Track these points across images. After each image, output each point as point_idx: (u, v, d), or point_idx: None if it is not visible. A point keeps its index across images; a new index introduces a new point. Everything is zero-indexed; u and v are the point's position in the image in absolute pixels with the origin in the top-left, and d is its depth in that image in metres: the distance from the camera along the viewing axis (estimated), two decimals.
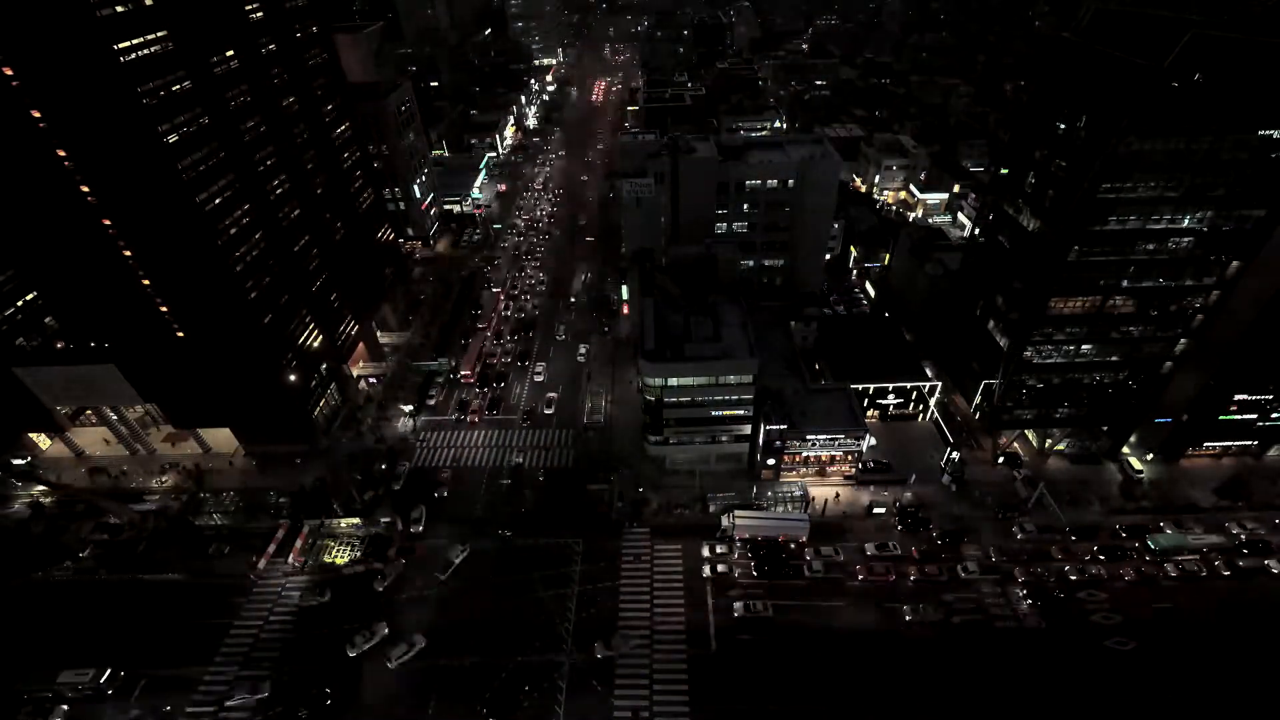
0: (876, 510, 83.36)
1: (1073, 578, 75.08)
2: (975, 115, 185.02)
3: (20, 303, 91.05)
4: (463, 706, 64.36)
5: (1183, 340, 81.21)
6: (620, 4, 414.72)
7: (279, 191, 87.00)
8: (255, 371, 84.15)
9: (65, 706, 65.03)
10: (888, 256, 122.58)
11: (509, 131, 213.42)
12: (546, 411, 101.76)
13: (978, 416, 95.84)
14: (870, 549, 78.48)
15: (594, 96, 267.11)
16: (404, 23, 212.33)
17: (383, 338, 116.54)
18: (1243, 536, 78.85)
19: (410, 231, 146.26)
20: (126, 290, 75.65)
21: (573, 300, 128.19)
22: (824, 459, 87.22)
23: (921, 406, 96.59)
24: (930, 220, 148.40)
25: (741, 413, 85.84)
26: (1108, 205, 69.83)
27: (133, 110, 63.48)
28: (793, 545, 78.91)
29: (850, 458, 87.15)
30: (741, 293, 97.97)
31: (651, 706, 64.38)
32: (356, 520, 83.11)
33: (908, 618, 70.96)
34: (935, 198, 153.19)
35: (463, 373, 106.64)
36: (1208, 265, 74.38)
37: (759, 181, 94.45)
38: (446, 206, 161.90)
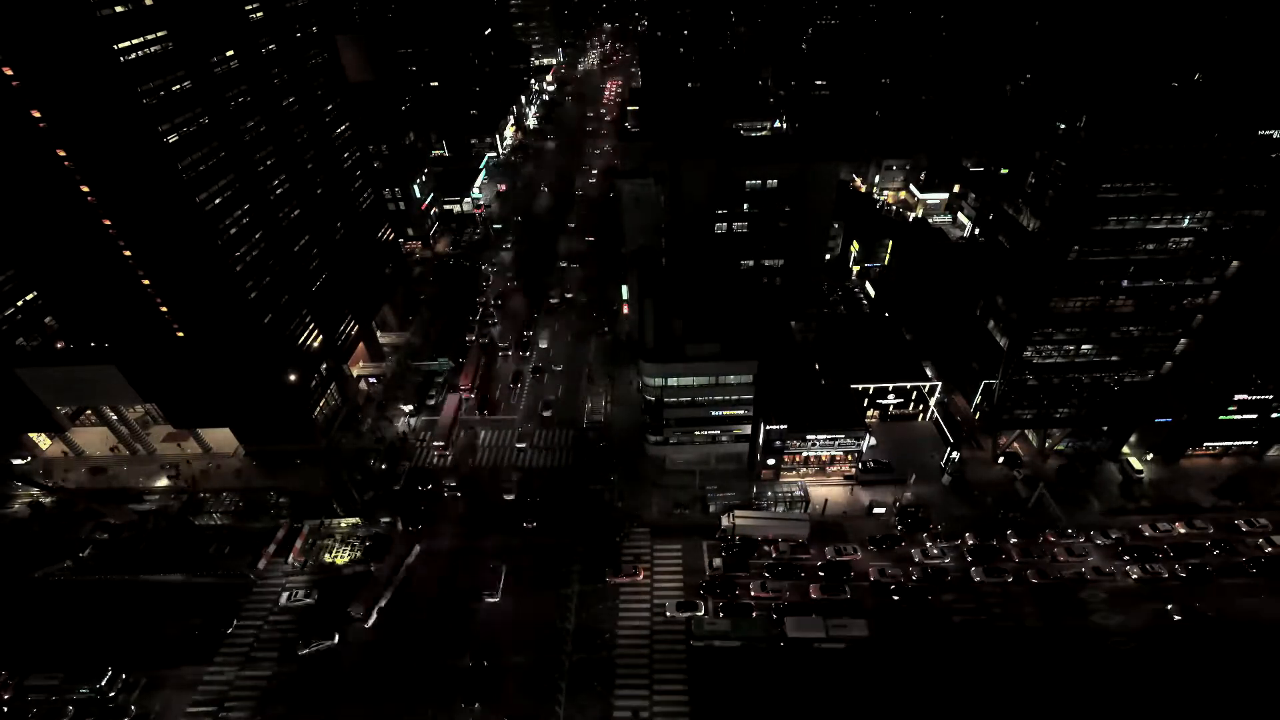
0: (877, 510, 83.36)
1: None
2: (976, 115, 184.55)
3: (20, 303, 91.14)
4: None
5: (1183, 340, 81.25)
6: (621, 3, 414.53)
7: (279, 191, 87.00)
8: (255, 371, 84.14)
9: (71, 709, 65.05)
10: (887, 256, 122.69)
11: (509, 131, 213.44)
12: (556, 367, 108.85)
13: (978, 416, 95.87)
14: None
15: (599, 93, 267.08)
16: (404, 22, 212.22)
17: (383, 338, 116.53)
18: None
19: (410, 231, 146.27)
20: (126, 290, 75.66)
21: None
22: (824, 459, 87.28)
23: (921, 406, 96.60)
24: (930, 220, 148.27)
25: (741, 413, 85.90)
26: (1108, 205, 69.88)
27: (133, 110, 63.46)
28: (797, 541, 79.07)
29: (850, 458, 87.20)
30: (742, 293, 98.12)
31: (651, 706, 64.46)
32: (356, 520, 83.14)
33: None
34: (935, 198, 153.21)
35: (462, 387, 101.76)
36: (1208, 265, 74.44)
37: (759, 181, 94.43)
38: (446, 207, 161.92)
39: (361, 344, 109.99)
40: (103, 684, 65.91)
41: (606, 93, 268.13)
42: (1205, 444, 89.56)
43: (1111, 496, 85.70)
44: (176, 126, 68.24)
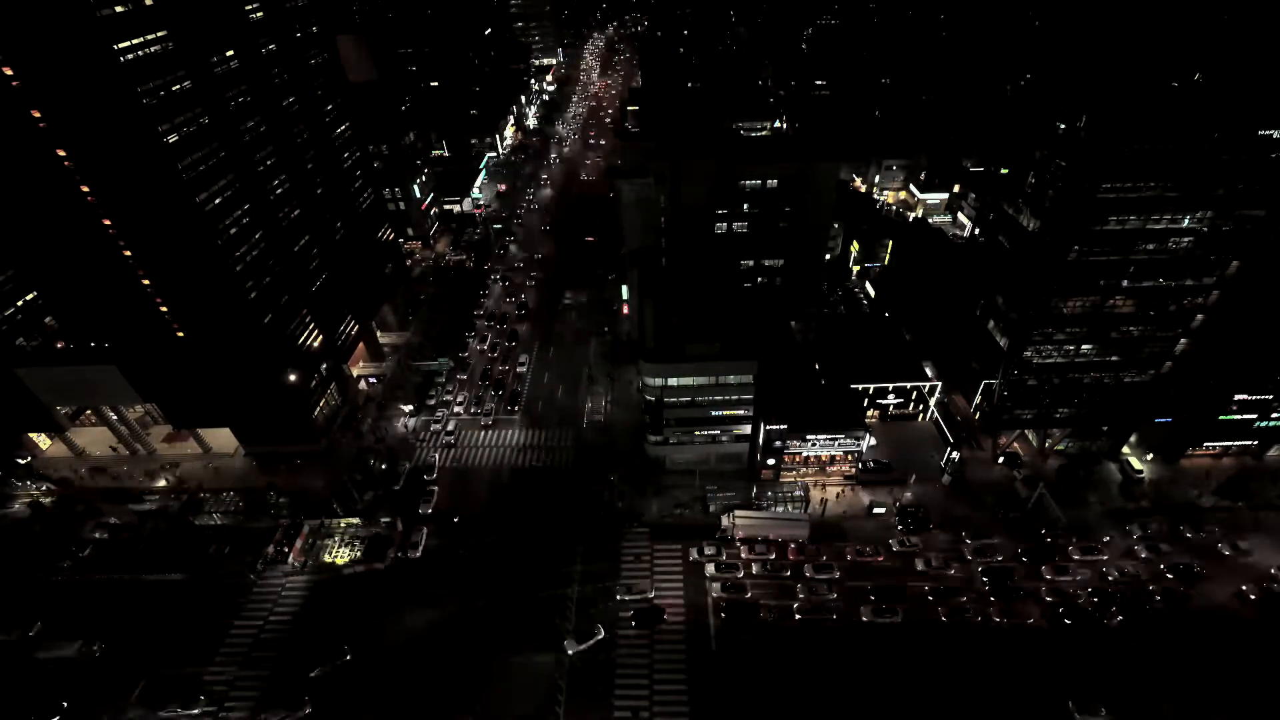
0: (877, 510, 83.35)
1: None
2: (976, 115, 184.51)
3: (20, 303, 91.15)
4: None
5: (1183, 340, 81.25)
6: (621, 4, 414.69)
7: (279, 191, 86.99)
8: (255, 371, 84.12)
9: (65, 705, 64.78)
10: (887, 256, 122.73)
11: (509, 131, 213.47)
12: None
13: (978, 416, 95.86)
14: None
15: (594, 93, 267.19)
16: (404, 22, 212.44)
17: (383, 338, 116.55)
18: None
19: (410, 231, 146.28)
20: (126, 290, 75.64)
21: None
22: (824, 459, 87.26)
23: (921, 406, 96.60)
24: (930, 220, 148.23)
25: (741, 413, 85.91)
26: (1108, 205, 69.88)
27: (133, 110, 63.47)
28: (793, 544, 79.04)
29: (850, 458, 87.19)
30: (742, 293, 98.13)
31: (651, 706, 64.47)
32: (356, 520, 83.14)
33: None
34: (935, 198, 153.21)
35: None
36: (1208, 265, 74.44)
37: (759, 181, 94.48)
38: (446, 207, 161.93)
39: (361, 344, 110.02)
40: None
41: (605, 97, 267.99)
42: (1205, 444, 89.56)
43: (1111, 496, 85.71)
44: (176, 126, 68.21)
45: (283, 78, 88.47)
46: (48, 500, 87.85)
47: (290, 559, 78.58)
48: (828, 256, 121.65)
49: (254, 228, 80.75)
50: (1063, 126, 73.92)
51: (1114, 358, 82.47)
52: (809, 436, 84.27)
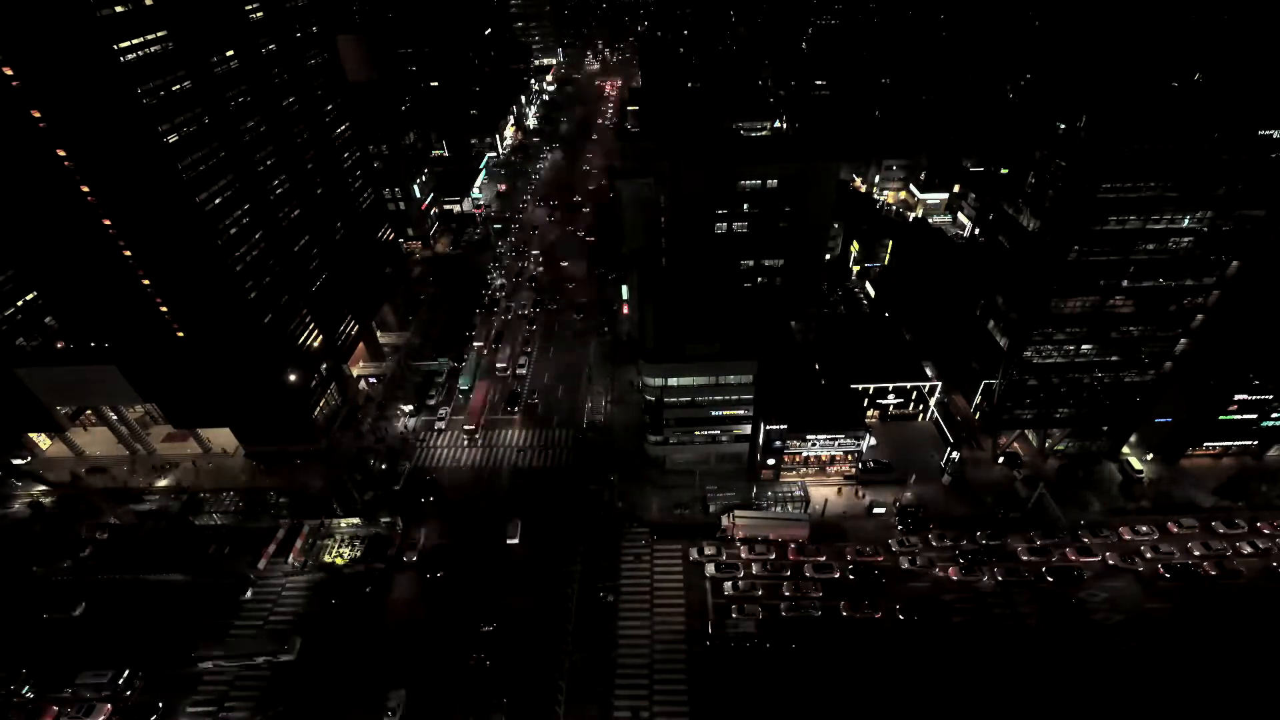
0: (877, 510, 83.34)
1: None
2: (976, 115, 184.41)
3: (20, 303, 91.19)
4: None
5: (1183, 340, 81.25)
6: (621, 3, 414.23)
7: (279, 191, 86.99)
8: (255, 371, 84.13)
9: (109, 706, 64.57)
10: (887, 256, 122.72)
11: (509, 131, 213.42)
12: None
13: (978, 416, 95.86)
14: None
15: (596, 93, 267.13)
16: (404, 22, 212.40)
17: (383, 338, 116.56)
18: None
19: (410, 231, 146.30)
20: (126, 290, 75.64)
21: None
22: (824, 459, 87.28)
23: (921, 406, 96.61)
24: (930, 220, 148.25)
25: (741, 413, 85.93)
26: (1108, 205, 69.87)
27: (133, 110, 63.48)
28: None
29: (850, 458, 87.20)
30: (742, 293, 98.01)
31: (651, 706, 64.49)
32: (356, 520, 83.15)
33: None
34: (935, 198, 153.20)
35: (466, 427, 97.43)
36: (1208, 265, 74.43)
37: (759, 181, 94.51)
38: (446, 206, 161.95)
39: (361, 344, 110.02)
40: None
41: (606, 95, 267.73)
42: (1205, 444, 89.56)
43: (1111, 496, 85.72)
44: (176, 126, 68.23)
45: (283, 78, 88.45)
46: (48, 500, 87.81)
47: (290, 559, 78.58)
48: (828, 256, 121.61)
49: (254, 228, 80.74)
50: (1063, 126, 73.90)
51: (1114, 358, 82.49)
52: (809, 436, 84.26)
